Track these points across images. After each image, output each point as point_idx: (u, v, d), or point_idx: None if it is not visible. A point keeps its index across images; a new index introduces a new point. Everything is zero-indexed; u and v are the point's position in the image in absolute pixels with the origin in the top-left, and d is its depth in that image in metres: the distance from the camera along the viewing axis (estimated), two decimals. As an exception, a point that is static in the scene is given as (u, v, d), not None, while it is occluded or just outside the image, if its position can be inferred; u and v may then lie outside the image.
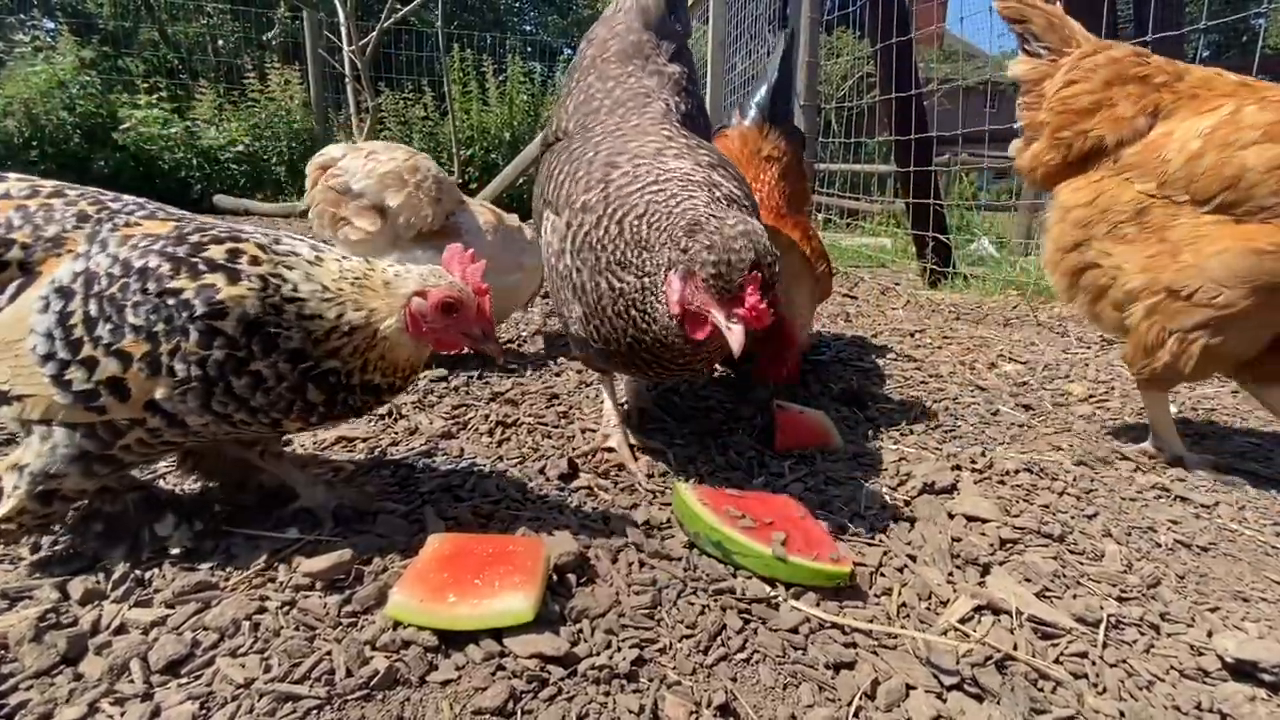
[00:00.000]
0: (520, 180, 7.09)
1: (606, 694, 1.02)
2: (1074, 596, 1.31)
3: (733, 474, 1.78)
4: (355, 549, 1.30)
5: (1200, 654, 1.17)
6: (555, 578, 1.25)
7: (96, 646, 1.07)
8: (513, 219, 2.75)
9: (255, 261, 1.19)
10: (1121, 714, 1.04)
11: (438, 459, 1.80)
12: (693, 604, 1.23)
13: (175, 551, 1.29)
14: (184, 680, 1.01)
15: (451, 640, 1.09)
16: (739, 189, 1.58)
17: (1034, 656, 1.14)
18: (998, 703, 1.04)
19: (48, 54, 9.27)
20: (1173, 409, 2.39)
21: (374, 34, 8.00)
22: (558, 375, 2.55)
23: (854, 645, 1.16)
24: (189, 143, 9.39)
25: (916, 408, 2.31)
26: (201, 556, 1.30)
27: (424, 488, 1.60)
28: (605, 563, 1.34)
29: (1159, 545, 1.53)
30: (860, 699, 1.04)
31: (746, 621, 1.20)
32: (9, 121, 8.38)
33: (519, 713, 0.98)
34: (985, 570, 1.38)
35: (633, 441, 1.88)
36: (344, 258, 1.30)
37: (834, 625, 1.20)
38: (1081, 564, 1.43)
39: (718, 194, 1.47)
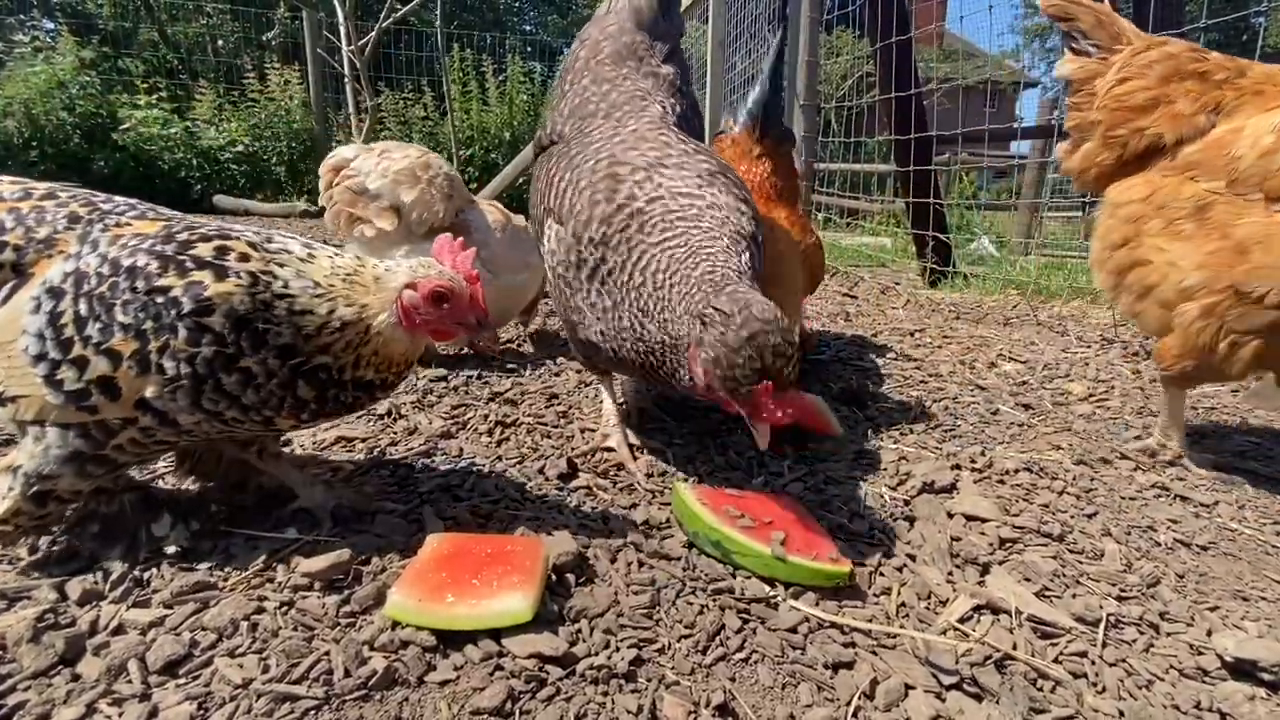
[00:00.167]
0: (520, 180, 7.09)
1: (605, 694, 1.02)
2: (1073, 596, 1.31)
3: (732, 474, 1.78)
4: (354, 549, 1.30)
5: (1200, 653, 1.17)
6: (554, 577, 1.25)
7: (94, 647, 1.07)
8: (519, 218, 2.76)
9: (244, 258, 1.19)
10: (1121, 713, 1.03)
11: (437, 459, 1.80)
12: (691, 604, 1.23)
13: (172, 551, 1.29)
14: (182, 681, 1.01)
15: (450, 640, 1.09)
16: (739, 194, 1.59)
17: (1033, 656, 1.14)
18: (997, 702, 1.04)
19: (47, 54, 9.28)
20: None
21: (373, 34, 8.00)
22: (557, 375, 2.55)
23: (853, 645, 1.15)
24: (189, 143, 9.40)
25: (916, 407, 2.31)
26: (200, 557, 1.30)
27: (423, 488, 1.60)
28: (604, 563, 1.34)
29: (1159, 544, 1.53)
30: (859, 699, 1.03)
31: (745, 621, 1.20)
32: (9, 122, 8.39)
33: (517, 713, 0.98)
34: (985, 570, 1.38)
35: (632, 441, 1.88)
36: (335, 254, 1.29)
37: (833, 625, 1.20)
38: (1081, 563, 1.43)
39: (725, 229, 1.47)
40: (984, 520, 1.56)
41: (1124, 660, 1.15)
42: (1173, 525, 1.60)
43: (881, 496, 1.66)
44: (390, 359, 1.29)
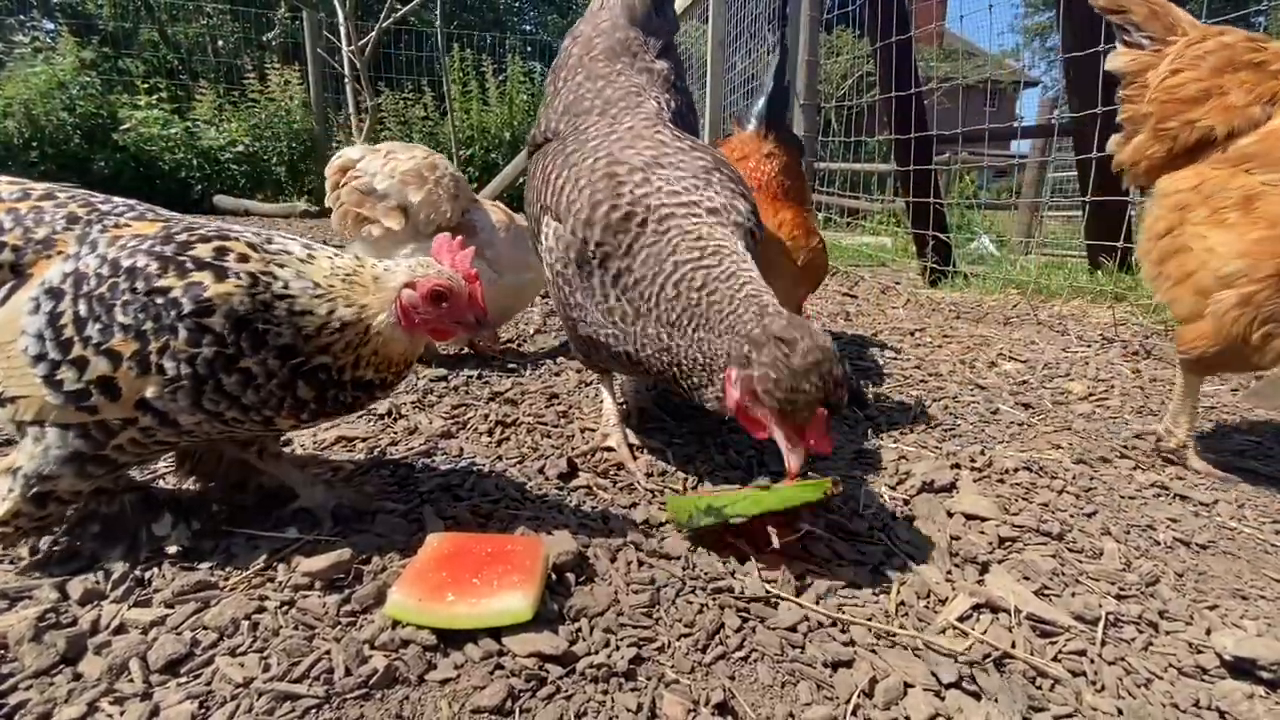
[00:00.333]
0: (520, 179, 7.09)
1: (605, 692, 1.02)
2: (1073, 594, 1.31)
3: (732, 473, 1.78)
4: (354, 548, 1.30)
5: (1199, 652, 1.17)
6: (554, 577, 1.25)
7: (96, 646, 1.07)
8: (521, 218, 2.77)
9: (243, 259, 1.19)
10: (1120, 711, 1.04)
11: (437, 458, 1.80)
12: (691, 603, 1.23)
13: (173, 551, 1.29)
14: (183, 679, 1.01)
15: (450, 639, 1.09)
16: (737, 192, 1.59)
17: (1032, 654, 1.14)
18: (995, 701, 1.04)
19: (48, 55, 9.29)
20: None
21: (373, 34, 7.99)
22: (557, 375, 2.56)
23: (852, 644, 1.16)
24: (189, 143, 9.40)
25: (916, 406, 2.31)
26: (201, 556, 1.30)
27: (423, 487, 1.61)
28: (604, 562, 1.34)
29: (1158, 543, 1.53)
30: (858, 697, 1.04)
31: (745, 620, 1.20)
32: (9, 122, 8.39)
33: (517, 711, 0.98)
34: (984, 568, 1.38)
35: (632, 441, 1.89)
36: (335, 255, 1.30)
37: (832, 624, 1.20)
38: (1080, 562, 1.43)
39: (736, 232, 1.49)
40: (983, 519, 1.56)
41: (1123, 659, 1.15)
42: (1172, 524, 1.61)
43: (881, 495, 1.66)
44: (390, 359, 1.29)
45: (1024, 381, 2.66)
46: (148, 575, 1.24)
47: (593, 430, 1.98)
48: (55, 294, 1.16)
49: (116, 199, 1.34)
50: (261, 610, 1.16)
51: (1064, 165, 9.75)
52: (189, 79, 12.06)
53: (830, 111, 6.69)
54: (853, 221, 8.07)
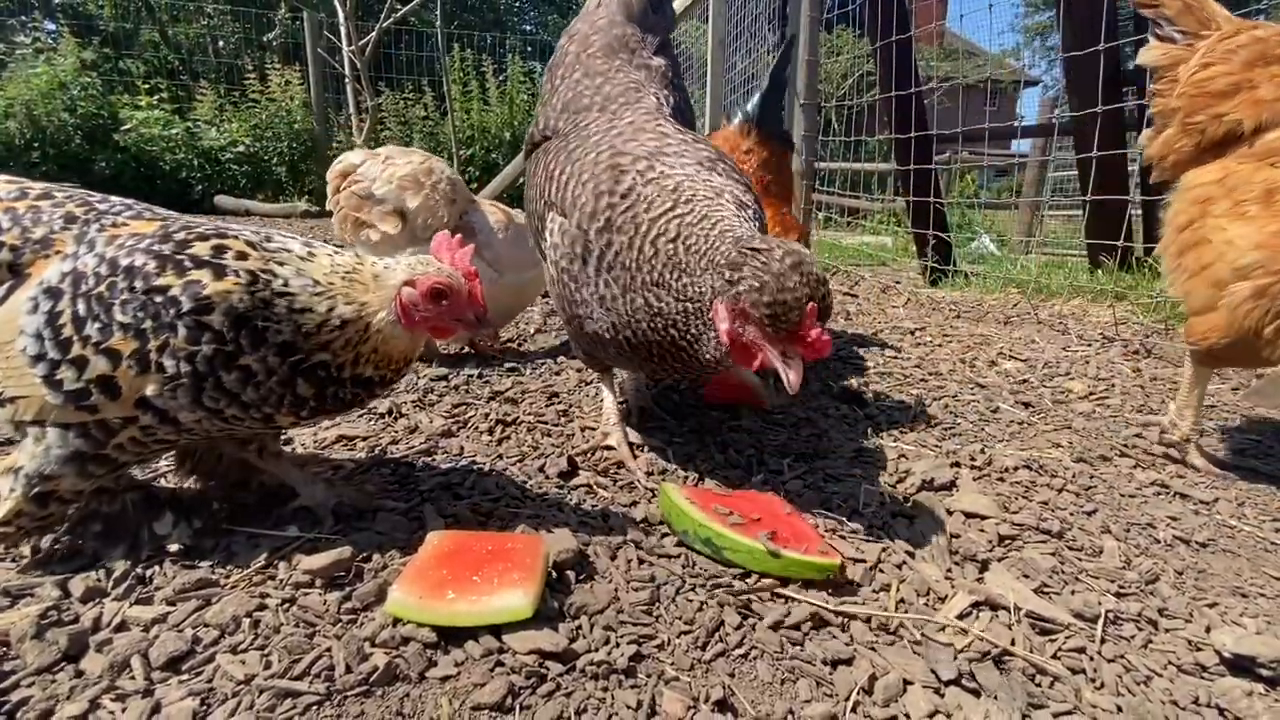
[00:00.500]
0: (520, 179, 7.09)
1: (605, 689, 1.03)
2: (1072, 592, 1.31)
3: (732, 472, 1.78)
4: (355, 546, 1.30)
5: (1198, 649, 1.17)
6: (554, 574, 1.26)
7: (98, 643, 1.07)
8: (521, 217, 2.78)
9: (242, 257, 1.20)
10: (1119, 709, 1.04)
11: (437, 457, 1.80)
12: (691, 600, 1.23)
13: (174, 549, 1.29)
14: (185, 677, 1.02)
15: (451, 637, 1.09)
16: (740, 181, 1.59)
17: (1031, 652, 1.14)
18: (995, 698, 1.04)
19: (49, 55, 9.31)
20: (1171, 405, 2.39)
21: (374, 34, 8.01)
22: (557, 374, 2.56)
23: (852, 641, 1.16)
24: (190, 144, 9.41)
25: (916, 405, 2.31)
26: (202, 554, 1.31)
27: (424, 486, 1.61)
28: (604, 560, 1.34)
29: (1158, 541, 1.53)
30: (858, 694, 1.04)
31: (745, 617, 1.20)
32: (10, 123, 8.41)
33: (517, 708, 0.99)
34: (984, 566, 1.38)
35: (632, 439, 1.89)
36: (335, 253, 1.30)
37: (832, 621, 1.20)
38: (1080, 560, 1.43)
39: (735, 203, 1.48)
40: (983, 517, 1.56)
41: (1122, 656, 1.15)
42: (1172, 522, 1.61)
43: (881, 494, 1.66)
44: (390, 356, 1.29)
45: (1024, 380, 2.66)
46: (149, 573, 1.25)
47: (593, 429, 1.98)
48: (54, 293, 1.16)
49: (114, 198, 1.34)
50: (262, 608, 1.16)
51: (1064, 164, 9.75)
52: (190, 79, 12.07)
53: (831, 111, 6.69)
54: (853, 221, 8.07)
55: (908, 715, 1.01)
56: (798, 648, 1.14)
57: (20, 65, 9.16)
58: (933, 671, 1.08)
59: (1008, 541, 1.49)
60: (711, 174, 1.55)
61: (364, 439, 1.89)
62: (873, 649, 1.14)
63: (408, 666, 1.04)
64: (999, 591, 1.27)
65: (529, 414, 2.11)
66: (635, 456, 1.81)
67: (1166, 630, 1.23)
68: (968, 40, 12.46)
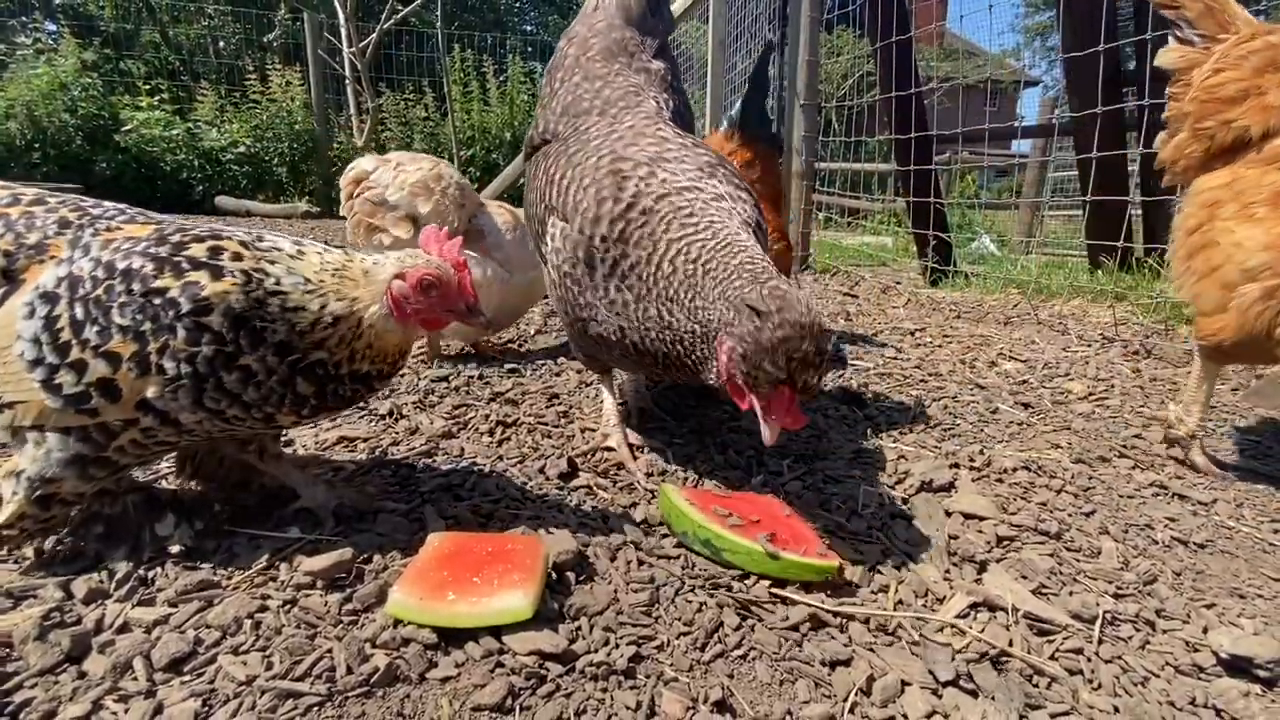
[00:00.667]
0: (521, 179, 7.10)
1: (604, 690, 1.03)
2: (1070, 593, 1.31)
3: (732, 473, 1.79)
4: (356, 548, 1.31)
5: (1195, 650, 1.18)
6: (554, 576, 1.26)
7: (100, 645, 1.08)
8: None
9: (237, 258, 1.20)
10: (1116, 709, 1.04)
11: (438, 458, 1.81)
12: (690, 601, 1.24)
13: (176, 551, 1.30)
14: (187, 678, 1.02)
15: (451, 638, 1.10)
16: (738, 183, 1.60)
17: (1029, 653, 1.14)
18: (992, 699, 1.05)
19: (50, 56, 9.32)
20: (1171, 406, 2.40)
21: (374, 35, 8.01)
22: (558, 375, 2.56)
23: (850, 642, 1.16)
24: (190, 144, 9.43)
25: (916, 406, 2.31)
26: (203, 556, 1.31)
27: (424, 487, 1.61)
28: (604, 561, 1.35)
29: (1156, 542, 1.53)
30: (856, 695, 1.04)
31: (744, 619, 1.21)
32: (11, 124, 8.42)
33: (518, 709, 0.99)
34: (982, 567, 1.39)
35: (632, 440, 1.89)
36: (324, 250, 1.31)
37: (830, 622, 1.21)
38: (1078, 561, 1.43)
39: (743, 220, 1.49)
40: (982, 518, 1.56)
41: (1120, 657, 1.16)
42: (1170, 523, 1.61)
43: (880, 495, 1.67)
44: (385, 351, 1.30)
45: (1024, 381, 2.67)
46: (151, 575, 1.25)
47: (593, 430, 1.98)
48: (50, 298, 1.16)
49: (107, 203, 1.34)
50: (264, 609, 1.16)
51: (1064, 165, 9.76)
52: (190, 80, 12.08)
53: (831, 111, 6.70)
54: (853, 221, 8.08)
55: (905, 716, 1.01)
56: (796, 649, 1.14)
57: (21, 66, 9.17)
58: (931, 672, 1.08)
59: (1006, 542, 1.49)
60: (713, 180, 1.56)
61: (365, 440, 1.89)
62: (871, 650, 1.14)
63: (408, 667, 1.04)
64: (997, 592, 1.27)
65: (529, 415, 2.12)
66: (635, 458, 1.81)
67: (1164, 631, 1.23)
68: (968, 40, 12.47)
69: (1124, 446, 2.04)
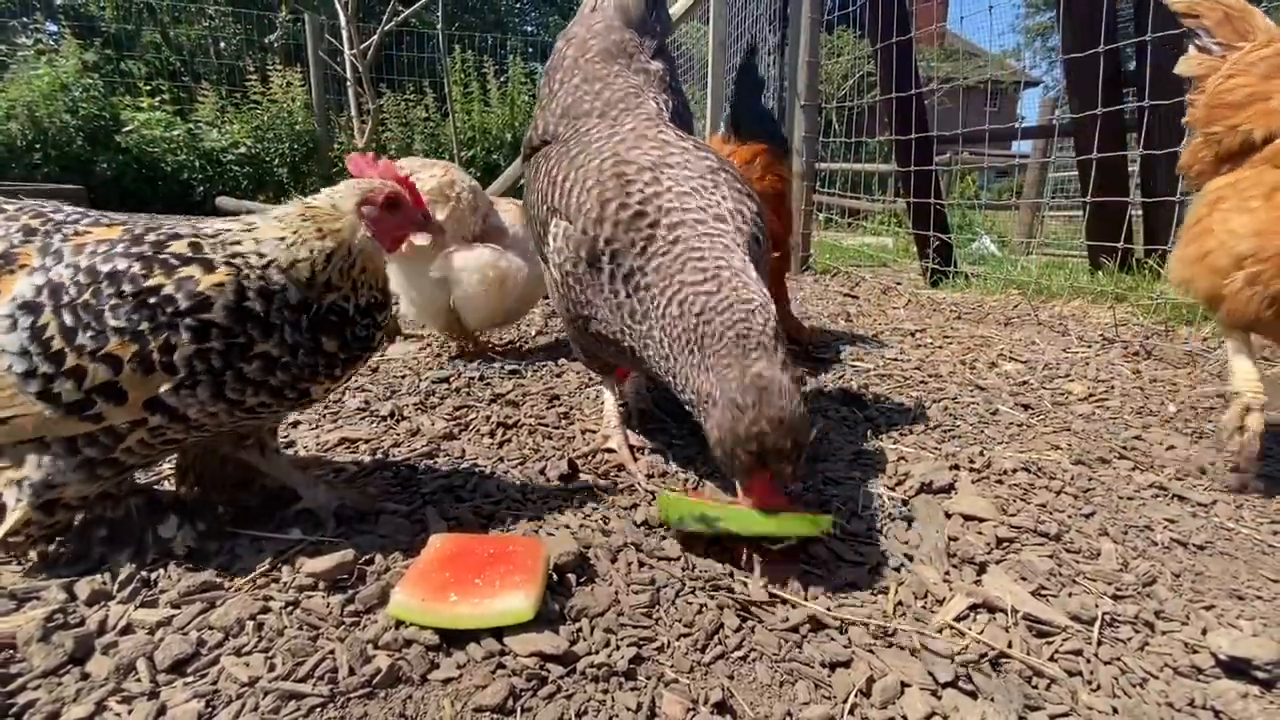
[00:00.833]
0: (521, 181, 7.11)
1: (605, 691, 1.04)
2: (1069, 595, 1.32)
3: (732, 474, 1.79)
4: (358, 549, 1.31)
5: (1194, 651, 1.18)
6: (555, 577, 1.27)
7: (103, 646, 1.08)
8: None
9: (216, 248, 1.24)
10: (1115, 710, 1.05)
11: (439, 460, 1.81)
12: (691, 603, 1.24)
13: (180, 553, 1.31)
14: (190, 679, 1.03)
15: (453, 639, 1.10)
16: (741, 189, 1.60)
17: (1029, 654, 1.15)
18: (992, 700, 1.05)
19: (50, 57, 9.33)
20: (1171, 407, 2.40)
21: (375, 37, 8.01)
22: (558, 376, 2.57)
23: (850, 644, 1.17)
24: (191, 145, 9.43)
25: (916, 407, 2.32)
26: (206, 558, 1.32)
27: (426, 488, 1.62)
28: (604, 562, 1.35)
29: (1155, 544, 1.54)
30: (855, 696, 1.05)
31: (744, 620, 1.21)
32: (12, 124, 8.42)
33: (519, 710, 1.00)
34: (982, 569, 1.39)
35: (633, 442, 1.90)
36: (269, 212, 1.35)
37: (830, 624, 1.21)
38: (1078, 562, 1.44)
39: (740, 239, 1.50)
40: (981, 520, 1.57)
41: (1119, 658, 1.16)
42: (1170, 525, 1.61)
43: (880, 496, 1.67)
44: (377, 274, 1.37)
45: (1024, 382, 2.67)
46: (154, 576, 1.26)
47: (594, 431, 1.99)
48: (33, 308, 1.14)
49: (66, 207, 1.33)
50: (266, 611, 1.17)
51: (1065, 165, 9.76)
52: (191, 81, 12.09)
53: (831, 112, 6.70)
54: (854, 222, 8.08)
55: (905, 717, 1.02)
56: (796, 650, 1.15)
57: (22, 66, 9.18)
58: (930, 674, 1.09)
59: (1006, 544, 1.49)
60: (717, 190, 1.56)
61: (366, 441, 1.90)
62: (871, 651, 1.15)
63: (410, 668, 1.05)
64: (997, 594, 1.28)
65: (530, 417, 2.12)
66: (636, 459, 1.82)
67: (1163, 632, 1.23)
68: (968, 41, 12.47)
69: (1124, 448, 2.04)
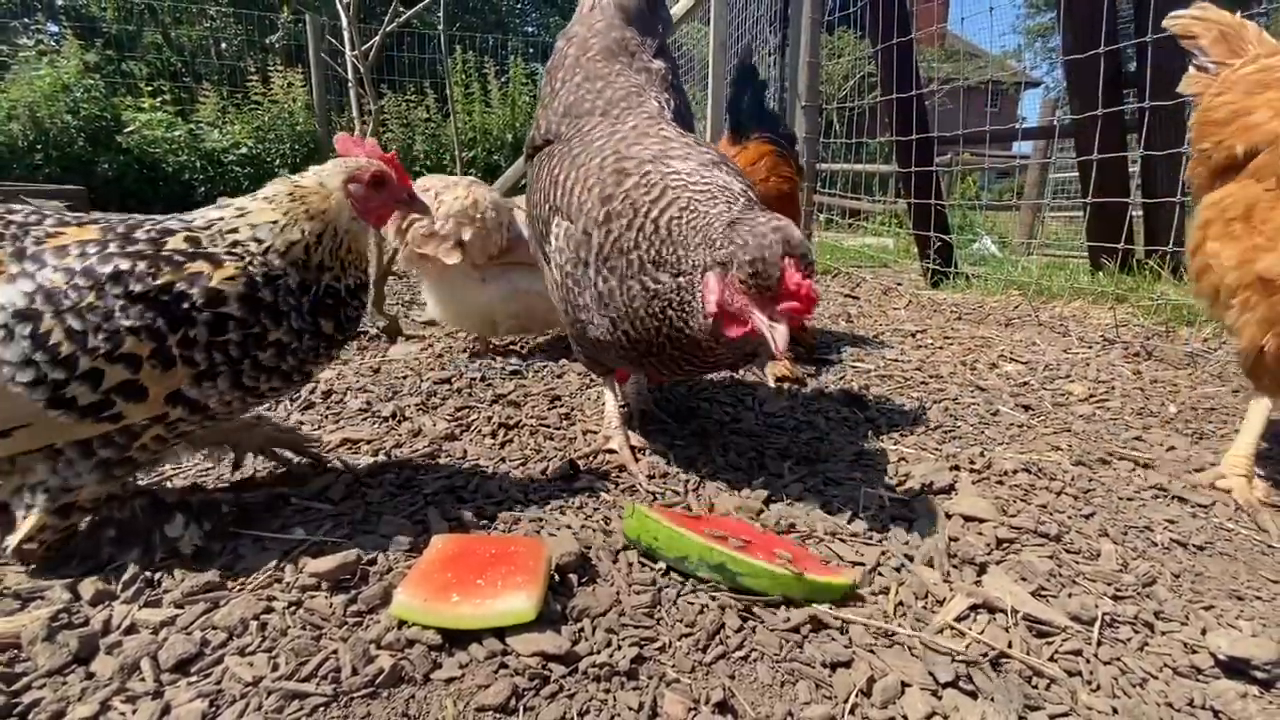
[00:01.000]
0: (522, 181, 7.12)
1: (607, 691, 1.04)
2: (1069, 595, 1.32)
3: (733, 474, 1.80)
4: (360, 550, 1.32)
5: (1193, 652, 1.18)
6: (557, 577, 1.27)
7: (108, 646, 1.09)
8: None
9: (215, 240, 1.26)
10: (1115, 710, 1.05)
11: (441, 460, 1.82)
12: (692, 603, 1.25)
13: (187, 552, 1.31)
14: (193, 679, 1.03)
15: (455, 639, 1.11)
16: (740, 181, 1.61)
17: (1029, 654, 1.15)
18: (992, 700, 1.05)
19: (52, 58, 9.33)
20: (1171, 408, 2.40)
21: (377, 38, 7.99)
22: (560, 377, 2.57)
23: (851, 644, 1.17)
24: (192, 145, 9.43)
25: (916, 408, 2.32)
26: (209, 558, 1.32)
27: (427, 489, 1.62)
28: (606, 563, 1.36)
29: (1155, 544, 1.54)
30: (856, 696, 1.05)
31: (745, 620, 1.22)
32: (14, 125, 8.43)
33: (521, 710, 1.00)
34: (982, 570, 1.39)
35: (634, 443, 1.90)
36: (256, 196, 1.36)
37: (831, 624, 1.22)
38: (1077, 563, 1.44)
39: (735, 196, 1.50)
40: (982, 521, 1.57)
41: (1118, 659, 1.16)
42: (1170, 525, 1.62)
43: (880, 497, 1.68)
44: (361, 254, 1.40)
45: (1024, 383, 2.67)
46: (157, 576, 1.26)
47: (595, 432, 1.99)
48: (29, 315, 1.12)
49: (19, 206, 1.29)
50: (269, 610, 1.18)
51: (1065, 166, 9.76)
52: (192, 81, 12.10)
53: (832, 113, 6.71)
54: (855, 223, 8.08)
55: (905, 717, 1.02)
56: (797, 650, 1.15)
57: (23, 67, 9.18)
58: (930, 674, 1.09)
59: (1006, 544, 1.50)
60: (714, 171, 1.57)
61: (369, 442, 1.91)
62: (871, 651, 1.15)
63: (413, 668, 1.05)
64: (997, 594, 1.28)
65: (531, 417, 2.13)
66: (637, 460, 1.82)
67: (1162, 633, 1.24)
68: (969, 42, 12.47)
69: (1124, 448, 2.05)
